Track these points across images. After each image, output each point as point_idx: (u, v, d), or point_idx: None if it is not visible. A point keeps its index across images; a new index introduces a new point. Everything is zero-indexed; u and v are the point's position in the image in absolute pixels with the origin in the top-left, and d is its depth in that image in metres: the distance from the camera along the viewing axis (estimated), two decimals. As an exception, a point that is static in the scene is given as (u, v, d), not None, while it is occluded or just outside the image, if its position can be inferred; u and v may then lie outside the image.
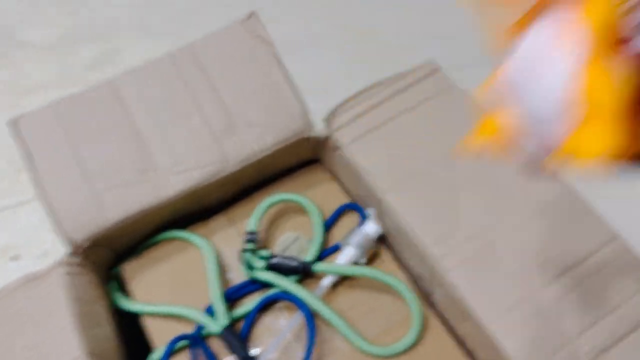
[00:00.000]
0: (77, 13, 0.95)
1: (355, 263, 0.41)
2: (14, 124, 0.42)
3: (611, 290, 0.35)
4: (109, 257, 0.44)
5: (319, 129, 0.45)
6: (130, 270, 0.44)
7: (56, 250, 0.42)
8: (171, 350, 0.38)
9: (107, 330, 0.40)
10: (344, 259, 0.41)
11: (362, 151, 0.42)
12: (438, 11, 0.89)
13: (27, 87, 0.86)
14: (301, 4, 0.92)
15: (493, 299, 0.35)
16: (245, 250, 0.41)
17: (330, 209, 0.45)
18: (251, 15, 0.46)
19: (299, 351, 0.39)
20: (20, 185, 0.75)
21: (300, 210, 0.45)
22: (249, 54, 0.45)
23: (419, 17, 0.89)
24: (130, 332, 0.42)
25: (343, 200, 0.46)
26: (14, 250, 0.69)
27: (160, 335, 0.40)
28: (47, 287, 0.38)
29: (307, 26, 0.89)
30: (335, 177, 0.48)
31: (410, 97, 0.44)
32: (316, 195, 0.46)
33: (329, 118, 0.44)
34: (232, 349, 0.38)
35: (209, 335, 0.40)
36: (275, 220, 0.46)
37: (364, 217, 0.43)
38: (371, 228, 0.42)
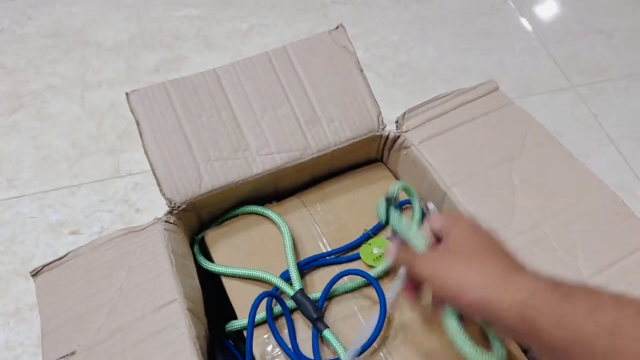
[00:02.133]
0: (141, 20, 1.03)
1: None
2: (127, 96, 0.48)
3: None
4: (196, 222, 0.49)
5: (389, 129, 0.51)
6: (212, 237, 0.49)
7: (113, 229, 0.46)
8: (257, 306, 0.42)
9: (195, 282, 0.44)
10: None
11: (429, 151, 0.48)
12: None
13: (93, 82, 0.93)
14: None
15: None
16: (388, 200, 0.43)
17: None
18: (338, 27, 0.52)
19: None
20: (81, 168, 0.81)
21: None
22: (334, 60, 0.51)
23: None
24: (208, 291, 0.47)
25: (403, 195, 0.51)
26: (73, 225, 0.74)
27: (238, 295, 0.45)
28: (148, 238, 0.43)
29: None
30: (395, 175, 0.53)
31: (472, 110, 0.50)
32: (378, 190, 0.51)
33: (400, 121, 0.50)
34: (304, 311, 0.43)
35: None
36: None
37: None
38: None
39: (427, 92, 0.91)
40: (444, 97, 0.51)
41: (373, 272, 0.44)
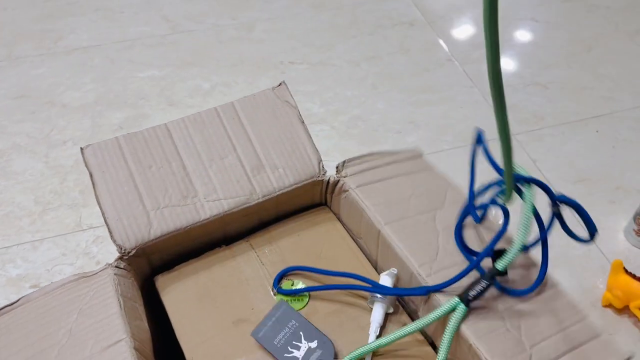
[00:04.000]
0: (107, 81, 1.08)
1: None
2: (82, 150, 0.51)
3: (547, 322, 0.43)
4: (147, 268, 0.51)
5: (329, 175, 0.55)
6: (162, 282, 0.51)
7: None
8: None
9: (144, 324, 0.46)
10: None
11: (365, 194, 0.52)
12: (414, 102, 1.03)
13: (58, 140, 0.96)
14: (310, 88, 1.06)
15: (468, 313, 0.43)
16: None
17: (333, 242, 0.54)
18: (281, 84, 0.57)
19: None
20: (43, 223, 0.83)
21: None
22: (277, 113, 0.56)
23: (399, 107, 1.03)
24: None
25: (345, 236, 0.55)
26: (34, 279, 0.75)
27: (185, 335, 0.47)
28: (99, 282, 0.46)
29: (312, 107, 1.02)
30: (338, 217, 0.57)
31: (401, 167, 0.55)
32: (322, 231, 0.55)
33: (339, 167, 0.55)
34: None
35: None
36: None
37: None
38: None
39: (378, 142, 0.97)
40: (376, 154, 0.56)
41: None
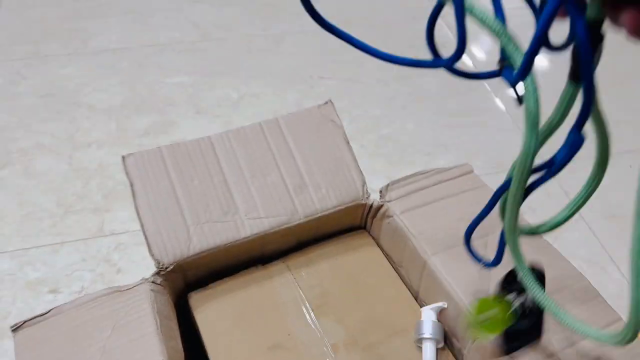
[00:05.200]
0: (135, 85, 1.07)
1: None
2: (123, 159, 0.50)
3: None
4: (182, 284, 0.50)
5: (372, 198, 0.53)
6: (197, 299, 0.49)
7: (93, 288, 0.47)
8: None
9: (178, 345, 0.45)
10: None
11: (410, 221, 0.50)
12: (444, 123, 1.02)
13: (83, 142, 0.95)
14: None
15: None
16: None
17: (372, 268, 0.52)
18: (327, 102, 0.56)
19: None
20: (65, 227, 0.81)
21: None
22: (322, 132, 0.54)
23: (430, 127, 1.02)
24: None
25: (385, 263, 0.53)
26: (53, 284, 0.73)
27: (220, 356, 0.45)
28: (134, 297, 0.44)
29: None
30: (377, 242, 0.55)
31: (450, 187, 0.53)
32: (360, 256, 0.53)
33: (383, 191, 0.53)
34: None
35: None
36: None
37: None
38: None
39: (407, 164, 0.95)
40: (423, 173, 0.54)
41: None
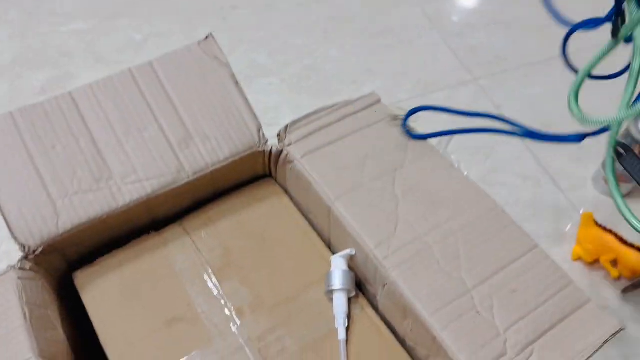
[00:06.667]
0: (25, 38, 0.95)
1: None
2: (-31, 131, 0.42)
3: (532, 291, 0.39)
4: (62, 264, 0.44)
5: (271, 144, 0.48)
6: (82, 278, 0.44)
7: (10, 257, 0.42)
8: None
9: (59, 333, 0.40)
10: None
11: (312, 164, 0.45)
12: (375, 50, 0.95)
13: (-29, 108, 0.84)
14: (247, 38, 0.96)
15: (430, 296, 0.38)
16: None
17: (280, 220, 0.48)
18: (208, 37, 0.49)
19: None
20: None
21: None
22: (206, 73, 0.47)
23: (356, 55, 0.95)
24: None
25: (293, 212, 0.49)
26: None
27: (111, 340, 0.41)
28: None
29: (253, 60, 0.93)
30: (285, 191, 0.50)
31: (355, 122, 0.48)
32: (267, 208, 0.48)
33: (282, 134, 0.47)
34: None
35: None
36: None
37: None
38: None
39: (333, 95, 0.89)
40: (326, 109, 0.49)
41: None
